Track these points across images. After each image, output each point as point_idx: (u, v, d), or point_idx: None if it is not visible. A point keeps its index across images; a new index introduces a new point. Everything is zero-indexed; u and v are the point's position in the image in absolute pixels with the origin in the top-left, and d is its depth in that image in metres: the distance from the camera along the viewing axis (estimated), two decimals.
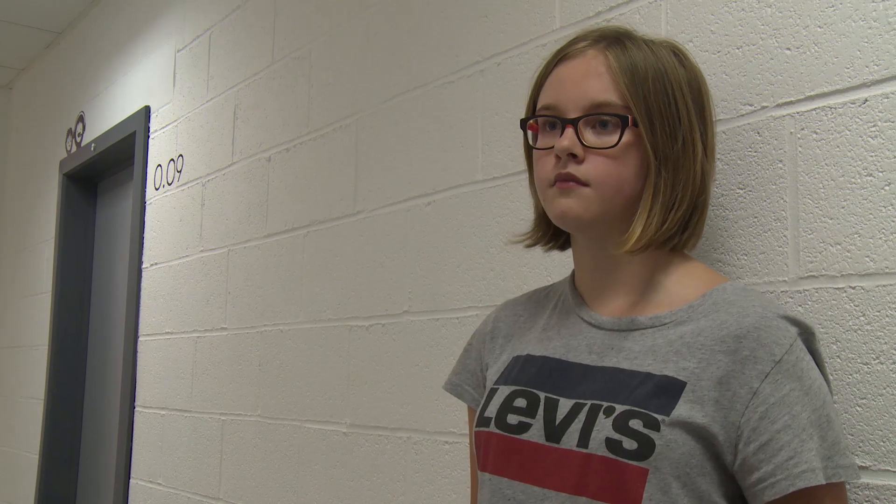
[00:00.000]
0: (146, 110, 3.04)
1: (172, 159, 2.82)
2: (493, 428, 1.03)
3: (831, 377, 1.02)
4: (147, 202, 2.99)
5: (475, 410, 1.15)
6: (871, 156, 1.01)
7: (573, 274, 1.13)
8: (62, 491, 3.64)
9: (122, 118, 3.24)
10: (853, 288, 1.02)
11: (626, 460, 0.90)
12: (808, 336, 0.95)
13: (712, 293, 1.00)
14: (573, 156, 0.99)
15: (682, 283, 1.03)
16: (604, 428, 0.93)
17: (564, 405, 0.98)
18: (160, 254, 2.86)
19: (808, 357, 0.93)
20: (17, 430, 4.12)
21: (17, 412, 4.13)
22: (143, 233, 3.00)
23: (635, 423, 0.91)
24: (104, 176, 3.70)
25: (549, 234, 1.13)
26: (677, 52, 1.05)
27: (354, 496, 1.84)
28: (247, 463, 2.24)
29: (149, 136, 3.02)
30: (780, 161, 1.10)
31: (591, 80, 1.00)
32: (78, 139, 3.70)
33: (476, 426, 1.07)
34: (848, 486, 0.99)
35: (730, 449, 0.90)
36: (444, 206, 1.67)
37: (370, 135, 1.90)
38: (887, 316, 0.98)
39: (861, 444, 0.99)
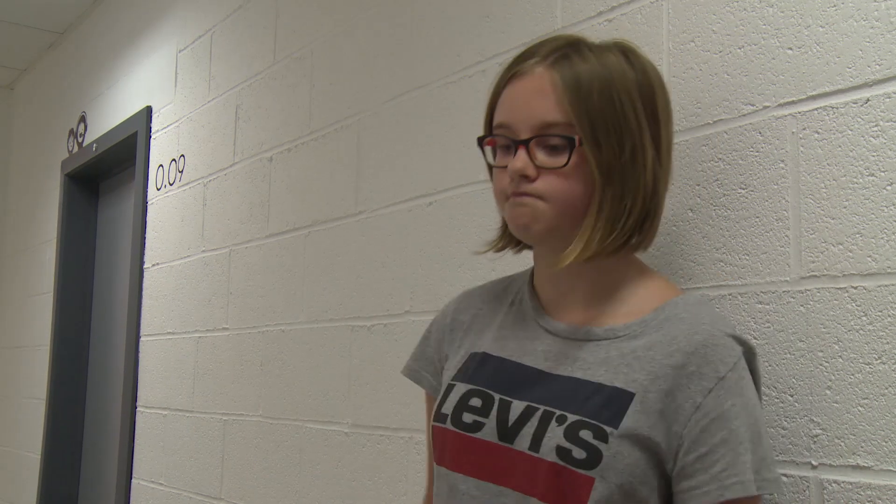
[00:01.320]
0: (148, 110, 3.04)
1: (174, 159, 2.83)
2: (449, 425, 1.06)
3: (833, 377, 1.02)
4: (149, 202, 3.00)
5: (433, 398, 1.18)
6: (873, 155, 1.01)
7: (532, 274, 1.16)
8: (64, 491, 3.65)
9: (124, 118, 3.24)
10: (855, 288, 1.02)
11: (574, 468, 0.95)
12: (750, 355, 1.00)
13: (665, 307, 1.03)
14: (526, 176, 1.01)
15: (638, 295, 1.06)
16: (555, 435, 0.97)
17: (517, 407, 1.02)
18: (162, 254, 2.86)
19: (749, 376, 0.99)
20: (19, 430, 4.13)
21: (19, 412, 4.14)
22: (145, 233, 3.00)
23: (585, 434, 0.96)
24: (106, 176, 3.70)
25: (515, 239, 1.14)
26: (627, 53, 1.04)
27: (356, 496, 1.84)
28: (248, 463, 2.24)
29: (150, 137, 3.02)
30: (782, 161, 1.10)
31: (539, 100, 1.01)
32: (79, 139, 3.71)
33: (434, 420, 1.10)
34: (849, 486, 1.00)
35: (671, 456, 0.96)
36: (445, 206, 1.67)
37: (372, 135, 1.90)
38: (889, 316, 0.98)
39: (863, 445, 0.99)
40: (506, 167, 1.03)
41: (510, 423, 1.01)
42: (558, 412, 0.98)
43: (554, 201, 1.01)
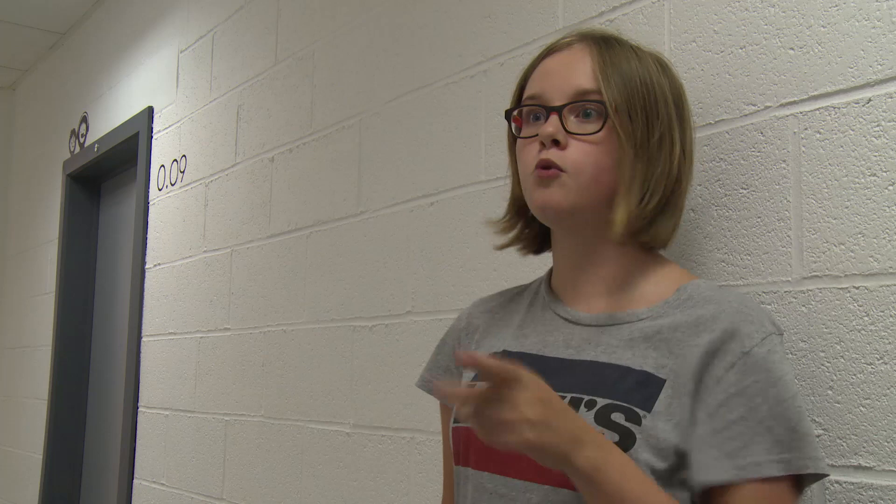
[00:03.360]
0: (149, 111, 3.04)
1: (175, 160, 2.83)
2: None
3: (835, 377, 1.02)
4: (150, 203, 3.00)
5: (448, 407, 1.17)
6: (875, 155, 1.01)
7: (549, 274, 1.15)
8: (66, 491, 3.65)
9: (126, 119, 3.24)
10: (857, 288, 1.01)
11: None
12: (780, 337, 0.97)
13: (686, 287, 1.02)
14: (556, 142, 1.00)
15: (658, 283, 1.04)
16: (586, 420, 0.93)
17: None
18: (163, 254, 2.86)
19: (783, 353, 0.95)
20: (21, 430, 4.13)
21: (21, 412, 4.14)
22: (147, 233, 3.00)
23: (617, 417, 0.93)
24: (107, 177, 3.71)
25: (522, 224, 1.13)
26: (661, 63, 1.07)
27: (357, 496, 1.84)
28: (250, 463, 2.24)
29: (152, 137, 3.03)
30: (784, 161, 1.10)
31: (577, 69, 1.02)
32: (81, 140, 3.71)
33: (454, 422, 1.08)
34: (851, 486, 1.00)
35: (691, 430, 0.93)
36: (447, 207, 1.67)
37: (373, 135, 1.90)
38: (891, 316, 0.98)
39: (865, 445, 0.99)
40: (534, 137, 1.02)
41: None
42: (587, 397, 0.96)
43: (579, 173, 1.00)
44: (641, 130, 1.00)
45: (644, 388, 0.94)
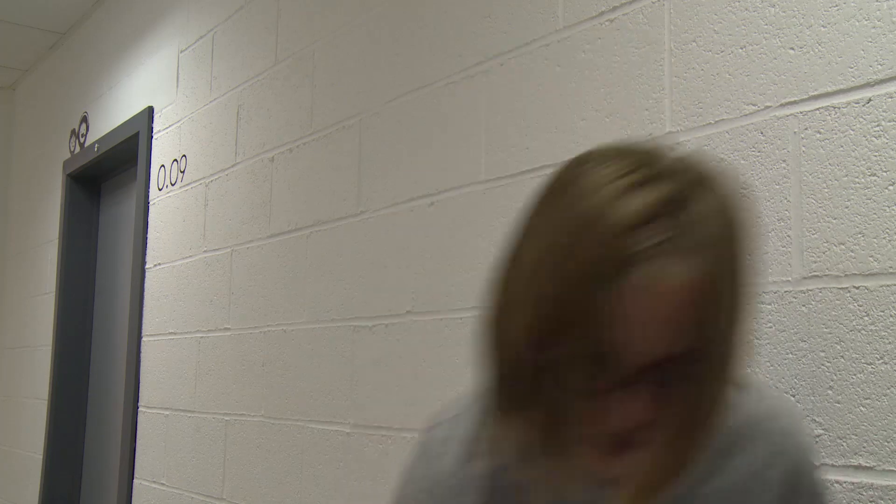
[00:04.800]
0: (149, 111, 3.04)
1: (176, 160, 2.83)
2: None
3: (835, 377, 1.02)
4: (150, 203, 3.00)
5: None
6: (875, 155, 1.01)
7: (498, 459, 0.85)
8: (66, 491, 3.65)
9: (126, 119, 3.24)
10: (857, 288, 1.01)
11: None
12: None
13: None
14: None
15: None
16: None
17: None
18: (163, 254, 2.86)
19: (805, 438, 0.89)
20: (21, 430, 4.13)
21: (21, 412, 4.14)
22: (147, 233, 3.00)
23: None
24: (108, 177, 3.70)
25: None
26: (733, 206, 0.76)
27: (358, 496, 1.84)
28: (250, 463, 2.24)
29: (152, 137, 3.03)
30: (784, 161, 1.10)
31: (669, 324, 0.69)
32: (81, 140, 3.71)
33: None
34: (851, 486, 1.00)
35: None
36: (447, 207, 1.67)
37: (373, 135, 1.90)
38: (891, 316, 0.98)
39: (865, 445, 0.99)
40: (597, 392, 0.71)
41: None
42: None
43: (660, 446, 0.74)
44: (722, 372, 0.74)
45: None
